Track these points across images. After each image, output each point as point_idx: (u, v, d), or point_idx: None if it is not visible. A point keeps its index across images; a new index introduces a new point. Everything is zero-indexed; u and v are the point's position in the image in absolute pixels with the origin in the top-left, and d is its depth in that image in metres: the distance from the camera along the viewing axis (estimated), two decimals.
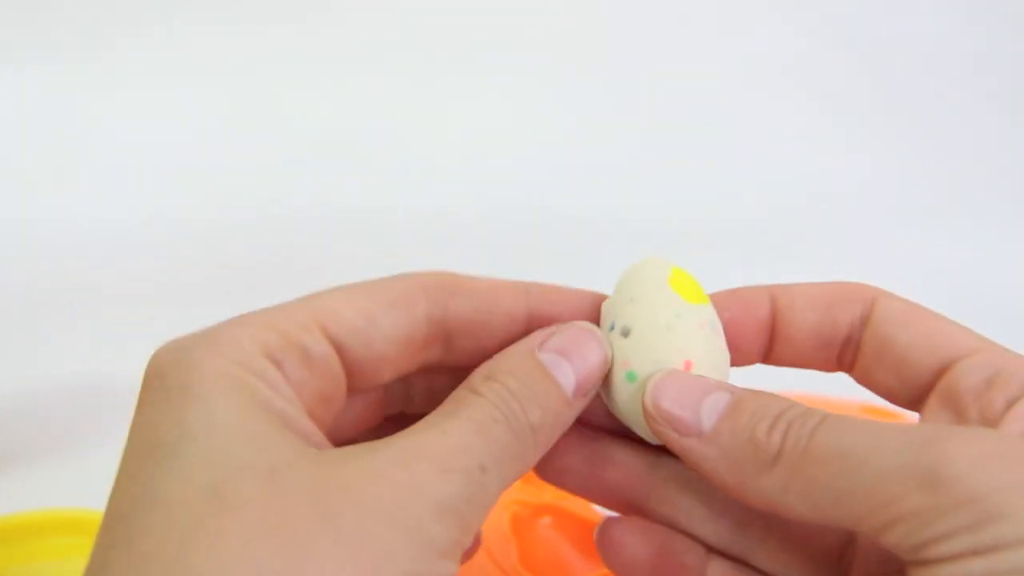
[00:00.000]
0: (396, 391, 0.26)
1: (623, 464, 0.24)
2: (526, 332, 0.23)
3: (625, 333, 0.23)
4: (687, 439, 0.22)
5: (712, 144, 0.76)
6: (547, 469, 0.24)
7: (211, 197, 0.68)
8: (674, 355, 0.23)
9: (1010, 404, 0.21)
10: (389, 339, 0.22)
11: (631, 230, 0.68)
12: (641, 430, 0.23)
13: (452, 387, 0.23)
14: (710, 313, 0.24)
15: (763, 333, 0.24)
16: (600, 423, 0.24)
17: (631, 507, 0.24)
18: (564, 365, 0.22)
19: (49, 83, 0.71)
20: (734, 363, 0.24)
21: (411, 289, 0.23)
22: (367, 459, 0.18)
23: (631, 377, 0.23)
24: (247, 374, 0.19)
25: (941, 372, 0.23)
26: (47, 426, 0.46)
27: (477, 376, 0.22)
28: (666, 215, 0.69)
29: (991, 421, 0.21)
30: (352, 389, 0.22)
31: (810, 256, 0.65)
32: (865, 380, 0.24)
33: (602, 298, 0.25)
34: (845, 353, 0.24)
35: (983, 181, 0.75)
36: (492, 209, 0.69)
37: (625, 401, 0.23)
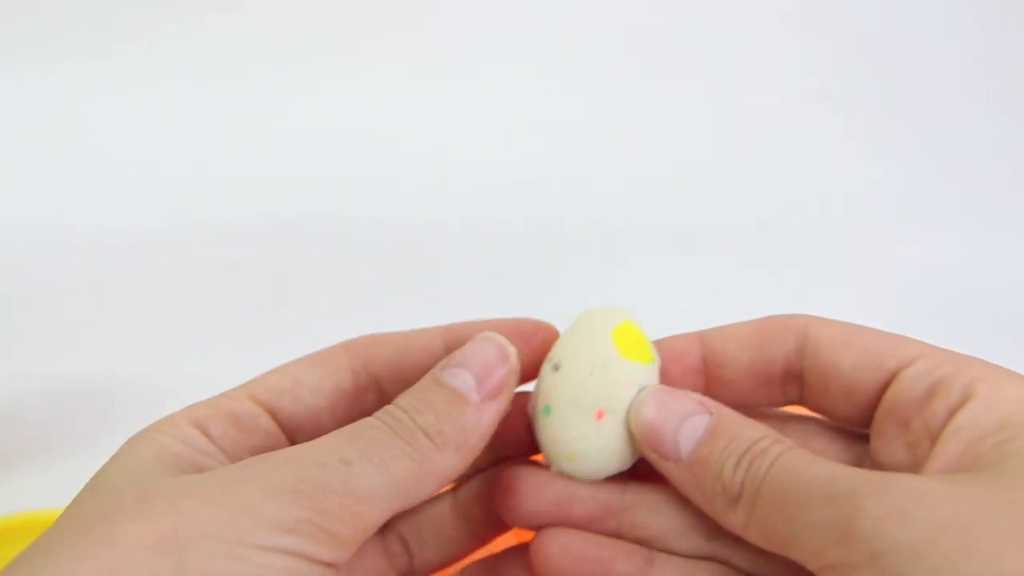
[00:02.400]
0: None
1: (590, 499, 0.25)
2: None
3: (556, 368, 0.24)
4: (666, 463, 0.23)
5: (717, 149, 0.76)
6: (517, 515, 0.25)
7: (213, 201, 0.68)
8: (588, 401, 0.24)
9: (951, 413, 0.21)
10: (316, 393, 0.25)
11: (637, 236, 0.68)
12: (555, 465, 0.24)
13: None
14: (644, 372, 0.24)
15: (696, 378, 0.25)
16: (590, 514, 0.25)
17: (606, 535, 0.25)
18: (460, 372, 0.23)
19: (51, 85, 0.71)
20: None
21: (331, 350, 0.26)
22: (220, 468, 0.21)
23: (547, 411, 0.24)
24: (166, 437, 0.23)
25: (885, 387, 0.23)
26: (44, 427, 0.46)
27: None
28: (672, 220, 0.69)
29: (933, 433, 0.21)
30: (299, 441, 0.25)
31: (813, 257, 0.65)
32: (818, 409, 0.25)
33: (528, 325, 0.26)
34: (789, 387, 0.25)
35: (984, 182, 0.75)
36: (497, 215, 0.69)
37: (540, 431, 0.24)
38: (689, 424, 0.23)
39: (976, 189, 0.74)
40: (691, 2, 0.79)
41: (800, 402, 0.25)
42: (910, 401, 0.22)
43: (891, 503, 0.19)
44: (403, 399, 0.23)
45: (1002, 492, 0.19)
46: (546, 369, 0.25)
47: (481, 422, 0.23)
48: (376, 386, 0.26)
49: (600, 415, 0.24)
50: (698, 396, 0.24)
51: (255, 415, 0.24)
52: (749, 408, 0.25)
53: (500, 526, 0.27)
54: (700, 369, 0.25)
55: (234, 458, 0.23)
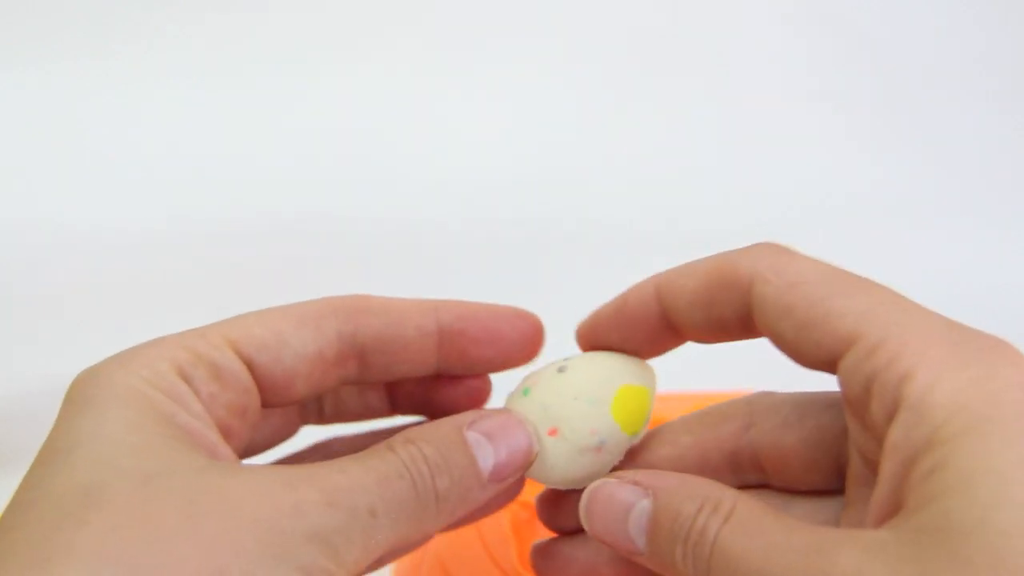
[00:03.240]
0: (310, 404, 0.27)
1: (615, 559, 0.24)
2: (438, 347, 0.25)
3: (560, 371, 0.24)
4: (637, 557, 0.23)
5: (717, 149, 0.76)
6: None
7: (213, 201, 0.68)
8: (549, 416, 0.24)
9: (889, 417, 0.19)
10: (299, 355, 0.23)
11: (638, 236, 0.68)
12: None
13: (360, 399, 0.27)
14: (617, 441, 0.24)
15: (664, 332, 0.25)
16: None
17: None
18: (487, 447, 0.23)
19: (51, 85, 0.71)
20: (652, 353, 0.25)
21: (321, 309, 0.24)
22: (258, 476, 0.20)
23: (526, 392, 0.24)
24: (152, 389, 0.21)
25: (832, 365, 0.21)
26: (44, 428, 0.46)
27: (399, 436, 0.22)
28: (672, 220, 0.69)
29: (880, 436, 0.20)
30: (267, 403, 0.24)
31: (813, 256, 0.65)
32: (783, 353, 0.23)
33: (516, 313, 0.26)
34: (750, 332, 0.24)
35: (984, 182, 0.75)
36: (497, 215, 0.69)
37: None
38: (634, 515, 0.22)
39: (976, 189, 0.74)
40: (691, 2, 0.79)
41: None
42: (853, 398, 0.21)
43: None
44: (427, 446, 0.22)
45: (920, 572, 0.17)
46: (551, 371, 0.24)
47: (477, 500, 0.23)
48: (360, 356, 0.25)
49: (553, 432, 0.24)
50: (632, 477, 0.23)
51: (235, 370, 0.22)
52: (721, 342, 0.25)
53: None
54: (665, 324, 0.24)
55: (213, 415, 0.22)
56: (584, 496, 0.23)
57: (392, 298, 0.25)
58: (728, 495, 0.21)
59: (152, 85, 0.72)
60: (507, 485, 0.23)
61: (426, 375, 0.26)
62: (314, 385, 0.24)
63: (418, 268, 0.63)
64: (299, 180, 0.70)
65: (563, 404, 0.24)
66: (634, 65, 0.77)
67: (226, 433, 0.22)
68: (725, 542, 0.20)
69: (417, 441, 0.22)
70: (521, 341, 0.26)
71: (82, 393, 0.21)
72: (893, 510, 0.19)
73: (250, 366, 0.23)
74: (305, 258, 0.64)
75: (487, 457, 0.23)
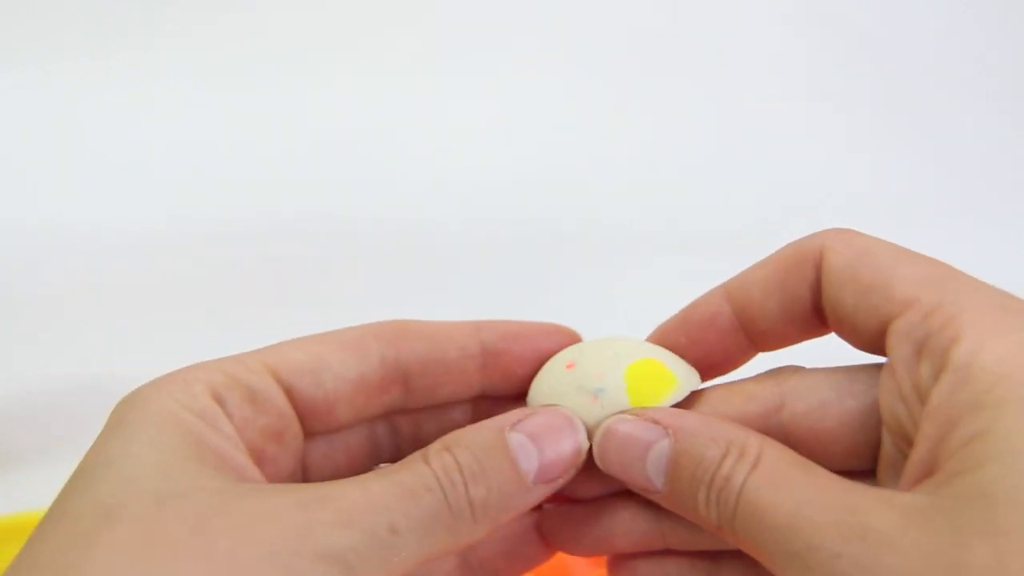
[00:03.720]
0: (382, 438, 0.26)
1: (629, 530, 0.24)
2: (482, 369, 0.25)
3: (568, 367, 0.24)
4: (654, 495, 0.22)
5: (718, 149, 0.76)
6: (565, 551, 0.25)
7: (213, 201, 0.68)
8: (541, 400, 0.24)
9: (936, 375, 0.19)
10: (340, 379, 0.23)
11: (638, 236, 0.68)
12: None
13: (420, 432, 0.26)
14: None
15: (736, 337, 0.24)
16: (598, 492, 0.24)
17: (656, 552, 0.25)
18: (530, 449, 0.22)
19: (51, 85, 0.71)
20: (723, 368, 0.24)
21: (362, 334, 0.24)
22: (273, 496, 0.19)
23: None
24: (184, 411, 0.20)
25: (883, 335, 0.21)
26: (47, 427, 0.46)
27: (436, 443, 0.22)
28: (673, 220, 0.69)
29: (923, 395, 0.20)
30: (311, 430, 0.23)
31: None
32: (846, 340, 0.23)
33: (558, 329, 0.25)
34: (822, 318, 0.23)
35: (984, 182, 0.75)
36: (498, 215, 0.69)
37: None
38: (653, 455, 0.22)
39: (976, 189, 0.74)
40: (693, 2, 0.79)
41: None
42: (900, 360, 0.20)
43: (856, 565, 0.18)
44: (463, 452, 0.21)
45: (948, 551, 0.17)
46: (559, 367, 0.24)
47: (523, 504, 0.22)
48: (404, 381, 0.24)
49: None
50: (652, 412, 0.22)
51: (272, 394, 0.22)
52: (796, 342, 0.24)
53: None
54: (735, 326, 0.24)
55: (245, 439, 0.22)
56: (599, 433, 0.22)
57: (432, 321, 0.25)
58: (753, 440, 0.21)
59: (153, 85, 0.72)
60: (558, 486, 0.22)
61: (469, 397, 0.25)
62: (358, 411, 0.24)
63: (419, 268, 0.63)
64: (300, 180, 0.70)
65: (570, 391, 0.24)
66: (635, 65, 0.77)
67: (259, 457, 0.22)
68: (752, 493, 0.20)
69: (453, 448, 0.21)
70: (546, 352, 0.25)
71: (119, 415, 0.21)
72: (927, 472, 0.19)
73: (289, 391, 0.23)
74: (306, 258, 0.64)
75: (531, 459, 0.22)
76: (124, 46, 0.72)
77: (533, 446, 0.22)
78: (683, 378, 0.24)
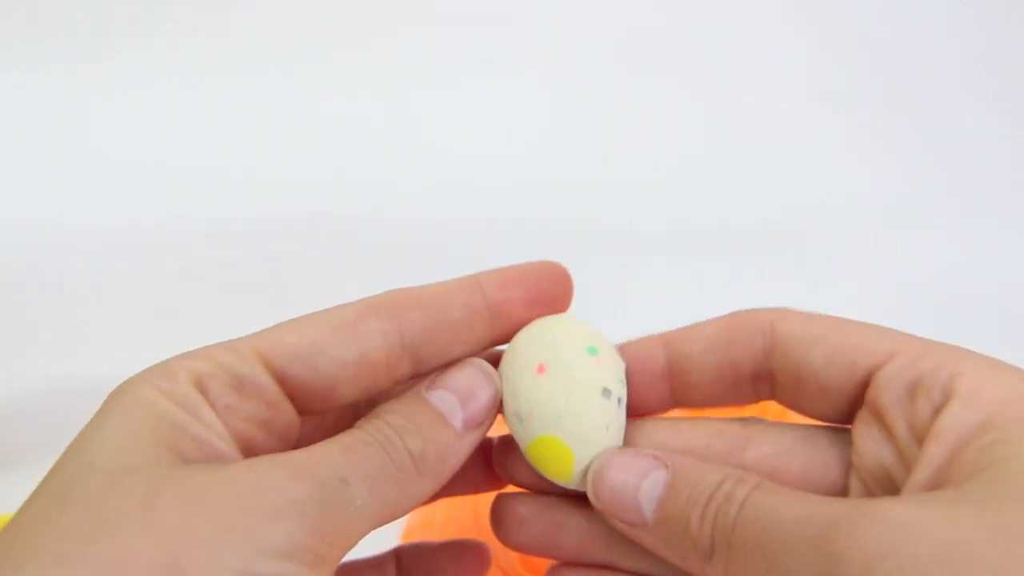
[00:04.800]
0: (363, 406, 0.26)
1: (578, 528, 0.24)
2: (489, 321, 0.24)
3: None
4: (633, 529, 0.22)
5: (716, 148, 0.76)
6: (508, 540, 0.25)
7: (214, 201, 0.68)
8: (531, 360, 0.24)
9: (936, 411, 0.20)
10: (336, 361, 0.23)
11: (639, 235, 0.68)
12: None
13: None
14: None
15: (661, 384, 0.24)
16: (556, 489, 0.25)
17: (596, 565, 0.25)
18: (450, 399, 0.23)
19: (52, 86, 0.71)
20: (640, 413, 0.25)
21: (360, 311, 0.23)
22: (225, 467, 0.20)
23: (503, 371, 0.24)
24: (162, 399, 0.20)
25: (864, 385, 0.22)
26: (44, 427, 0.46)
27: (364, 417, 0.23)
28: (671, 220, 0.69)
29: (921, 432, 0.20)
30: (306, 409, 0.23)
31: (812, 258, 0.65)
32: (792, 406, 0.24)
33: (548, 265, 0.25)
34: (760, 386, 0.24)
35: (984, 182, 0.75)
36: (497, 215, 0.69)
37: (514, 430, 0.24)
38: (647, 483, 0.22)
39: (976, 189, 0.74)
40: (694, 2, 0.79)
41: (772, 398, 0.24)
42: (892, 402, 0.21)
43: (875, 542, 0.18)
44: (390, 415, 0.22)
45: (989, 514, 0.17)
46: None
47: (460, 450, 0.23)
48: (412, 353, 0.24)
49: (541, 368, 0.24)
50: (650, 451, 0.23)
51: (261, 382, 0.22)
52: (717, 408, 0.25)
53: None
54: (665, 374, 0.24)
55: (230, 427, 0.21)
56: (597, 462, 0.23)
57: (430, 284, 0.25)
58: (751, 474, 0.21)
59: (153, 85, 0.72)
60: (486, 428, 0.23)
61: (481, 351, 0.25)
62: (363, 388, 0.23)
63: (420, 267, 0.63)
64: (303, 180, 0.70)
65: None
66: (635, 65, 0.77)
67: (247, 446, 0.22)
68: (756, 499, 0.20)
69: (381, 414, 0.22)
70: (561, 291, 0.26)
71: (103, 405, 0.21)
72: (934, 487, 0.19)
73: (282, 378, 0.22)
74: (310, 258, 0.64)
75: (453, 408, 0.23)
76: (125, 46, 0.72)
77: (452, 395, 0.23)
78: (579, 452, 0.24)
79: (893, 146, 0.76)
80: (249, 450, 0.22)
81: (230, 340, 0.23)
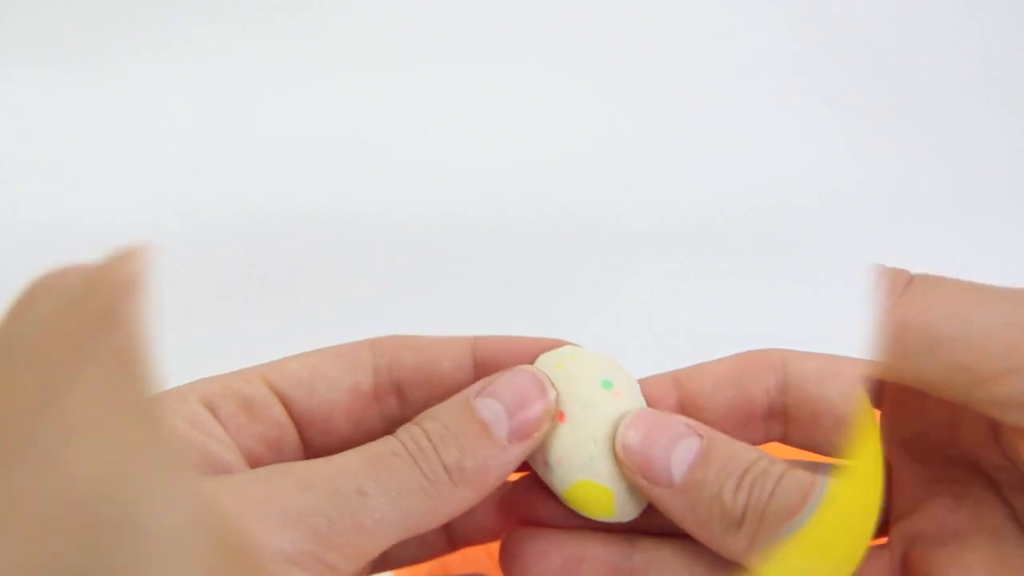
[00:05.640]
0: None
1: (598, 559, 0.24)
2: (474, 380, 0.24)
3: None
4: (657, 488, 0.22)
5: (716, 149, 0.76)
6: (525, 575, 0.24)
7: (212, 200, 0.68)
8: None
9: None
10: (333, 387, 0.23)
11: (638, 235, 0.68)
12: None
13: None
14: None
15: None
16: (574, 522, 0.24)
17: None
18: (497, 408, 0.22)
19: (54, 86, 0.71)
20: None
21: (357, 345, 0.24)
22: (235, 477, 0.20)
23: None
24: (176, 419, 0.21)
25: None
26: None
27: (405, 424, 0.22)
28: (665, 218, 0.70)
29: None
30: (309, 442, 0.24)
31: (811, 258, 0.65)
32: (804, 444, 0.24)
33: (552, 344, 0.25)
34: (771, 425, 0.24)
35: (985, 182, 0.75)
36: (495, 212, 0.69)
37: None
38: (680, 447, 0.22)
39: (976, 189, 0.74)
40: (694, 2, 0.79)
41: (783, 439, 0.24)
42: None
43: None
44: (430, 422, 0.22)
45: None
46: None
47: (504, 463, 0.22)
48: (397, 390, 0.25)
49: (561, 416, 0.23)
50: (684, 418, 0.23)
51: (267, 403, 0.23)
52: None
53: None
54: (678, 411, 0.24)
55: (241, 445, 0.22)
56: (630, 415, 0.23)
57: (429, 336, 0.25)
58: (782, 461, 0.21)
59: (154, 85, 0.72)
60: (538, 440, 0.22)
61: None
62: (354, 421, 0.24)
63: (421, 266, 0.63)
64: (302, 179, 0.70)
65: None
66: (632, 65, 0.77)
67: (258, 464, 0.22)
68: (795, 474, 0.20)
69: (421, 421, 0.22)
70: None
71: None
72: None
73: (285, 400, 0.23)
74: (312, 257, 0.64)
75: (498, 414, 0.22)
76: (126, 47, 0.72)
77: (499, 404, 0.22)
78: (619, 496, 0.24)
79: (891, 145, 0.77)
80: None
81: (236, 370, 0.23)
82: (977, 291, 0.19)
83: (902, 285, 0.20)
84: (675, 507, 0.22)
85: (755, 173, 0.75)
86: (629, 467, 0.22)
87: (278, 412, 0.23)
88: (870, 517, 0.20)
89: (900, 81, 0.80)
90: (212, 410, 0.22)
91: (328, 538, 0.19)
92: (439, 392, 0.24)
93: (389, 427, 0.24)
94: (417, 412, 0.24)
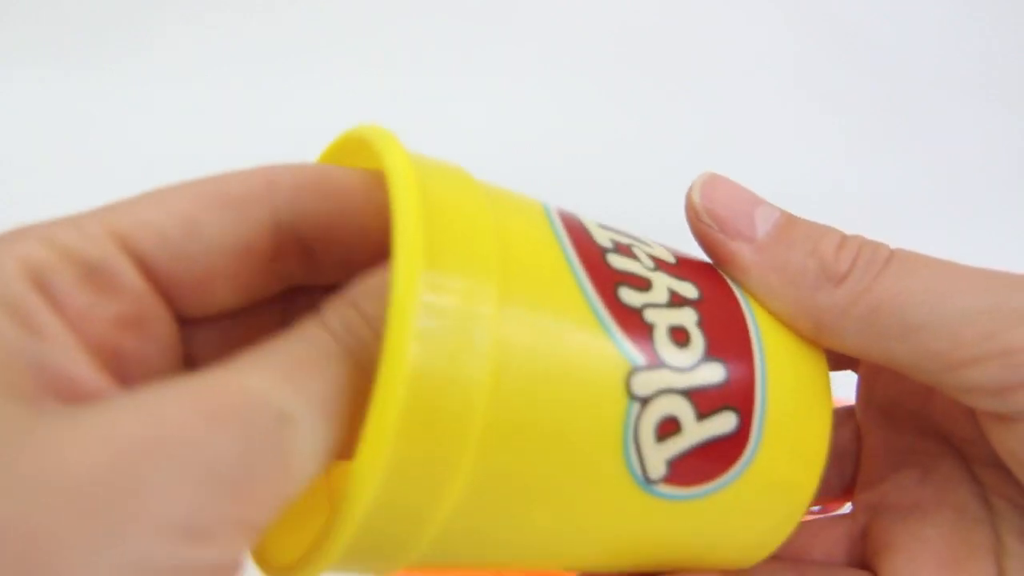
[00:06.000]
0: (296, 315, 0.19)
1: None
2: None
3: None
4: (736, 243, 0.20)
5: (713, 146, 0.76)
6: None
7: None
8: None
9: None
10: (217, 250, 0.17)
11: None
12: None
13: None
14: None
15: None
16: None
17: None
18: None
19: (55, 86, 0.71)
20: None
21: (252, 186, 0.18)
22: (93, 411, 0.13)
23: None
24: None
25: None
26: None
27: (333, 300, 0.16)
28: (665, 218, 0.70)
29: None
30: (187, 314, 0.17)
31: None
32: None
33: None
34: None
35: (984, 182, 0.75)
36: None
37: None
38: (762, 208, 0.21)
39: (976, 189, 0.74)
40: (694, 2, 0.79)
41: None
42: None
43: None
44: (372, 303, 0.15)
45: None
46: None
47: None
48: (305, 252, 0.18)
49: None
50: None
51: (118, 269, 0.16)
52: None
53: None
54: None
55: (90, 338, 0.15)
56: (705, 175, 0.22)
57: (344, 170, 0.20)
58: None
59: (154, 86, 0.72)
60: None
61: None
62: (243, 287, 0.18)
63: None
64: None
65: None
66: (635, 65, 0.77)
67: (115, 356, 0.16)
68: (907, 255, 0.19)
69: (357, 301, 0.16)
70: None
71: None
72: None
73: (144, 265, 0.16)
74: None
75: None
76: (126, 48, 0.72)
77: None
78: None
79: (891, 145, 0.76)
80: (120, 367, 0.16)
81: (71, 216, 0.17)
82: (955, 274, 0.18)
83: (880, 262, 0.19)
84: (756, 263, 0.20)
85: (754, 173, 0.74)
86: (704, 219, 0.21)
87: (132, 279, 0.16)
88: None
89: (900, 81, 0.80)
90: (42, 289, 0.15)
91: (244, 495, 0.13)
92: (362, 256, 0.18)
93: (291, 294, 0.19)
94: (330, 272, 0.19)
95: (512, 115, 0.75)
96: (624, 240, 0.21)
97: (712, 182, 0.22)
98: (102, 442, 0.12)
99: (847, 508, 0.24)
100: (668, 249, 0.22)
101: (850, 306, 0.19)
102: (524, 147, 0.74)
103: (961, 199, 0.73)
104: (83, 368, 0.15)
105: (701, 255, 0.22)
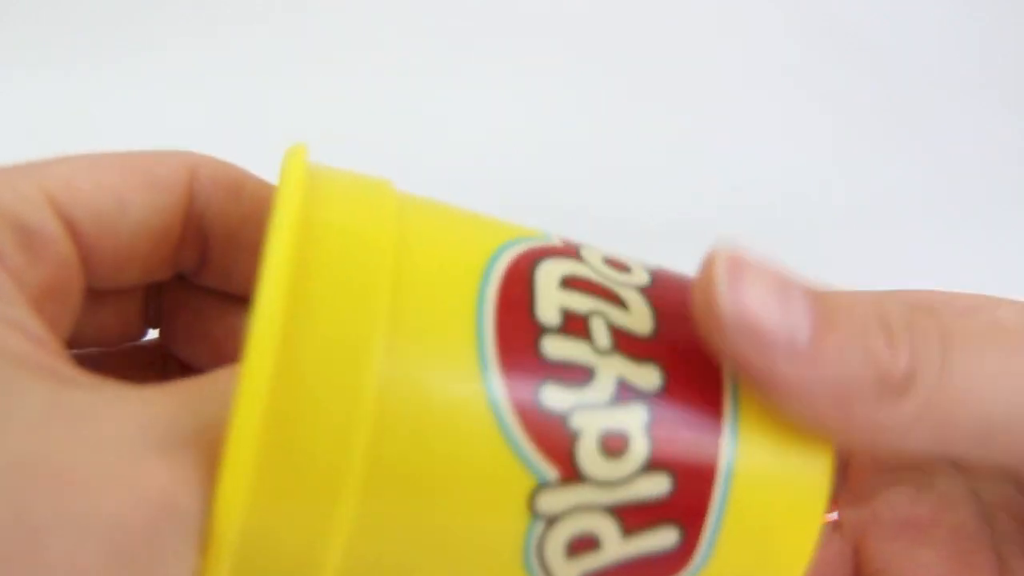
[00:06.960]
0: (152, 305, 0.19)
1: None
2: None
3: None
4: (771, 356, 0.15)
5: (712, 146, 0.76)
6: None
7: None
8: None
9: None
10: (140, 230, 0.17)
11: (629, 233, 0.68)
12: None
13: (204, 312, 0.18)
14: None
15: None
16: None
17: None
18: None
19: (51, 85, 0.71)
20: None
21: (175, 171, 0.17)
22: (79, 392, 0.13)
23: None
24: None
25: None
26: None
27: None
28: (665, 218, 0.70)
29: None
30: (91, 288, 0.17)
31: (810, 257, 0.65)
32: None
33: None
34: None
35: (984, 183, 0.75)
36: (493, 211, 0.69)
37: None
38: (791, 295, 0.15)
39: (974, 190, 0.74)
40: (693, 2, 0.79)
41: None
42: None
43: None
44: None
45: None
46: None
47: None
48: (202, 245, 0.18)
49: None
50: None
51: (53, 236, 0.15)
52: None
53: None
54: None
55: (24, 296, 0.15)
56: (723, 259, 0.16)
57: (262, 182, 0.19)
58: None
59: (154, 85, 0.72)
60: None
61: None
62: (147, 271, 0.17)
63: None
64: None
65: None
66: (634, 65, 0.77)
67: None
68: (965, 333, 0.15)
69: None
70: None
71: None
72: None
73: (75, 235, 0.16)
74: None
75: None
76: (126, 48, 0.72)
77: None
78: None
79: (890, 146, 0.76)
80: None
81: (5, 168, 0.16)
82: (1013, 352, 0.15)
83: (937, 348, 0.14)
84: (798, 380, 0.15)
85: (754, 173, 0.75)
86: (736, 330, 0.15)
87: (67, 251, 0.16)
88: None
89: (899, 81, 0.80)
90: None
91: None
92: (249, 265, 0.17)
93: (180, 282, 0.19)
94: (216, 273, 0.18)
95: (512, 115, 0.75)
96: (588, 306, 0.18)
97: (738, 269, 0.15)
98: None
99: (834, 516, 0.22)
100: (672, 284, 0.18)
101: (917, 421, 0.14)
102: (524, 147, 0.74)
103: (960, 199, 0.73)
104: (38, 330, 0.14)
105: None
